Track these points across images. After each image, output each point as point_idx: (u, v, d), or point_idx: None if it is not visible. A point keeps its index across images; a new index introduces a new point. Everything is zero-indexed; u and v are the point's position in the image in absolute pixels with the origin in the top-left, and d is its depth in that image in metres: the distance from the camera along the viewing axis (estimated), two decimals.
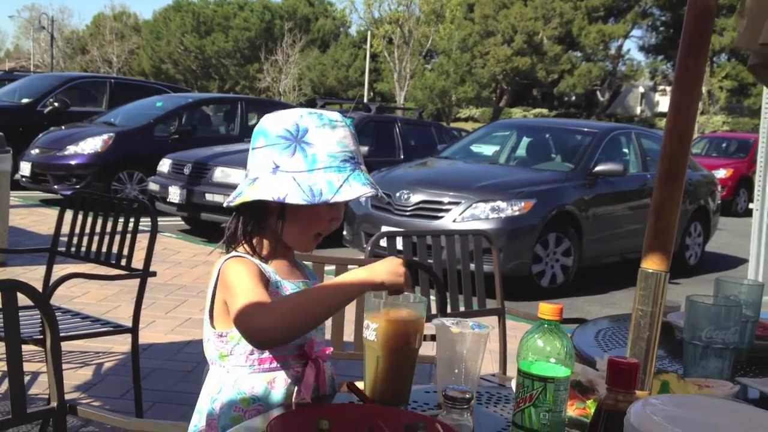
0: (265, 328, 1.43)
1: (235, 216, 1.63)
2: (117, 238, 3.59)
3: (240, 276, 1.52)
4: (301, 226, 1.61)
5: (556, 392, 1.27)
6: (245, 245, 1.61)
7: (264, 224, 1.61)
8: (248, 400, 1.54)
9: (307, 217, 1.60)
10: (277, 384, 1.56)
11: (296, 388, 1.55)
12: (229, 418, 1.54)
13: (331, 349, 1.68)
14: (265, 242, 1.63)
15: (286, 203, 1.53)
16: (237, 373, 1.56)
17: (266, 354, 1.56)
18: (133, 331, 3.43)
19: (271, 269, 1.59)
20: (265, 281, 1.55)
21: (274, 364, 1.56)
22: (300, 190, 1.52)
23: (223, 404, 1.55)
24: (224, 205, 1.64)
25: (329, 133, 1.57)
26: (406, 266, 1.52)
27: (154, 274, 3.51)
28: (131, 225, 3.54)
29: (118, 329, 3.44)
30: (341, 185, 1.53)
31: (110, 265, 3.62)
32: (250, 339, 1.46)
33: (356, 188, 1.54)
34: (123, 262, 3.58)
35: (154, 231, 3.42)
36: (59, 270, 6.39)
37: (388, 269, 1.50)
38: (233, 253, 1.60)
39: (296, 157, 1.55)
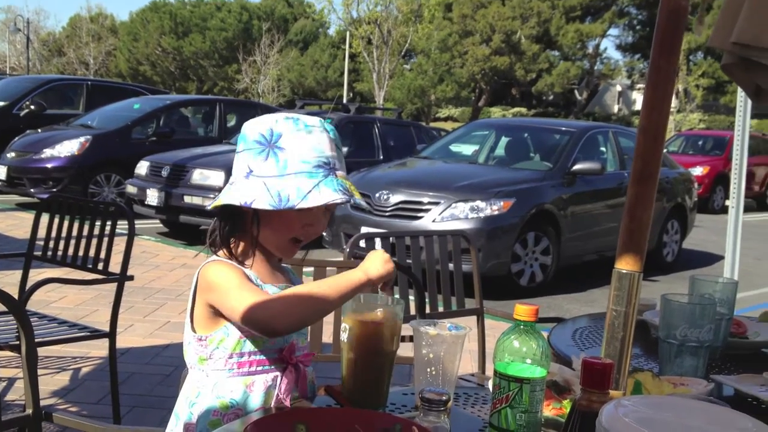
0: (278, 314, 1.46)
1: (216, 220, 1.64)
2: (94, 242, 3.56)
3: (226, 274, 1.54)
4: (275, 231, 1.60)
5: (532, 393, 1.27)
6: (224, 250, 1.61)
7: (241, 229, 1.61)
8: (227, 404, 1.53)
9: (280, 222, 1.59)
10: (255, 388, 1.55)
11: (275, 393, 1.55)
12: (208, 422, 1.53)
13: (315, 354, 1.68)
14: (243, 246, 1.62)
15: (257, 208, 1.53)
16: (216, 377, 1.56)
17: (245, 358, 1.55)
18: (111, 335, 3.40)
19: (252, 273, 1.59)
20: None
21: (253, 368, 1.56)
22: (269, 195, 1.52)
23: (201, 408, 1.55)
24: (206, 208, 1.67)
25: (304, 137, 1.56)
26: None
27: (131, 278, 3.49)
28: (108, 229, 3.51)
29: (95, 334, 3.42)
30: (310, 191, 1.52)
31: (87, 270, 3.59)
32: (264, 326, 1.47)
33: (325, 194, 1.52)
34: (100, 266, 3.55)
35: (131, 234, 3.40)
36: (36, 275, 6.33)
37: (377, 263, 1.53)
38: (213, 258, 1.60)
39: (269, 161, 1.55)
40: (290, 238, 1.62)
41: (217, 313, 1.56)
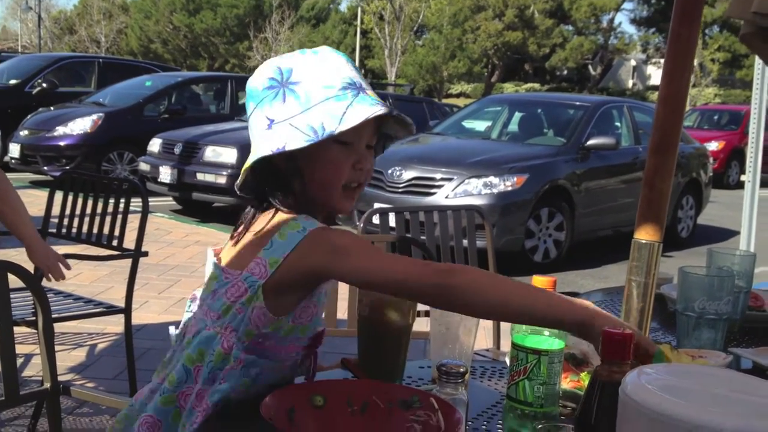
0: (481, 284, 1.26)
1: (251, 198, 1.43)
2: (108, 218, 3.57)
3: (356, 237, 1.36)
4: (322, 180, 1.38)
5: (550, 365, 1.27)
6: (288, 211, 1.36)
7: (289, 192, 1.38)
8: (248, 382, 1.37)
9: (324, 166, 1.37)
10: (273, 369, 1.43)
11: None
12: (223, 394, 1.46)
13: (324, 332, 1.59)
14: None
15: (293, 154, 1.32)
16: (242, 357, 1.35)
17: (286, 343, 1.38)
18: (126, 311, 3.41)
19: None
20: None
21: (291, 354, 1.42)
22: (299, 132, 1.31)
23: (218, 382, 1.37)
24: (235, 187, 1.43)
25: (318, 64, 1.37)
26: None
27: (145, 254, 3.50)
28: (122, 205, 3.51)
29: (110, 310, 3.43)
30: (344, 112, 1.31)
31: (102, 246, 3.60)
32: (448, 296, 1.26)
33: (362, 110, 1.31)
34: (114, 243, 3.55)
35: (145, 211, 3.40)
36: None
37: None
38: (304, 221, 1.34)
39: (288, 101, 1.35)
40: (342, 185, 1.39)
41: (304, 288, 1.35)
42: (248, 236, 1.39)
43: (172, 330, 1.50)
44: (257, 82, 1.39)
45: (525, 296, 1.26)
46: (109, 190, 3.66)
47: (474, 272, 1.28)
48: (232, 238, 1.45)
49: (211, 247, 1.51)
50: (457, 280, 1.26)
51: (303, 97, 1.34)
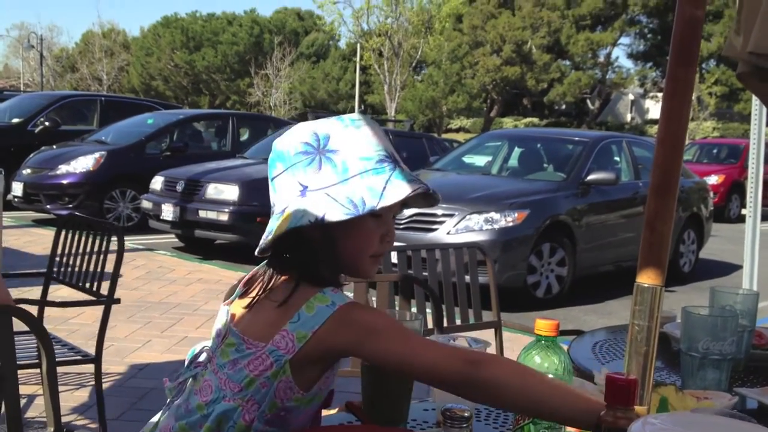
0: (506, 373, 1.24)
1: (273, 262, 1.39)
2: (93, 260, 3.47)
3: (381, 314, 1.37)
4: (353, 251, 1.38)
5: None
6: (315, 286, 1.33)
7: (316, 261, 1.36)
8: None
9: (356, 238, 1.37)
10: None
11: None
12: None
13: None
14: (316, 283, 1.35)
15: (328, 224, 1.30)
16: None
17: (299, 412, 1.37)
18: (97, 360, 3.22)
19: None
20: None
21: (308, 418, 1.41)
22: (338, 204, 1.29)
23: None
24: (256, 253, 1.40)
25: (354, 133, 1.35)
26: None
27: (117, 301, 3.30)
28: (110, 246, 3.35)
29: (83, 359, 3.25)
30: (384, 188, 1.30)
31: (84, 290, 3.49)
32: (473, 387, 1.25)
33: (402, 187, 1.31)
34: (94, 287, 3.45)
35: (120, 253, 3.21)
36: (52, 290, 6.36)
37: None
38: (332, 294, 1.32)
39: (324, 169, 1.33)
40: (370, 255, 1.39)
41: (330, 361, 1.36)
42: (267, 303, 1.35)
43: (168, 383, 1.47)
44: (290, 144, 1.37)
45: (550, 395, 1.21)
46: (97, 230, 3.52)
47: (502, 367, 1.26)
48: (243, 295, 1.41)
49: (224, 304, 1.45)
50: (485, 374, 1.24)
51: (340, 166, 1.32)
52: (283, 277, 1.36)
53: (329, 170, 1.32)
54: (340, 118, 1.38)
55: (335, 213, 1.29)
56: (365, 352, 1.30)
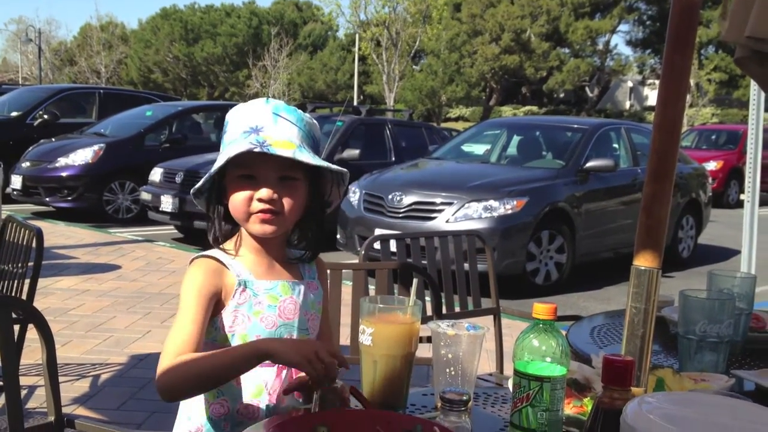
0: (157, 380, 1.46)
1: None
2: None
3: (184, 294, 1.54)
4: (234, 209, 1.58)
5: (552, 391, 1.27)
6: (215, 244, 1.64)
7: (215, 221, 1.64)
8: (213, 393, 1.55)
9: (233, 200, 1.58)
10: (243, 381, 1.55)
11: (265, 390, 1.55)
12: (194, 409, 1.58)
13: None
14: (234, 239, 1.63)
15: (220, 189, 1.59)
16: None
17: None
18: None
19: (243, 266, 1.59)
20: (217, 287, 1.55)
21: None
22: (208, 173, 1.57)
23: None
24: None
25: (240, 113, 1.59)
26: (331, 356, 1.41)
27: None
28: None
29: None
30: (225, 151, 1.55)
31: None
32: (156, 381, 1.48)
33: (235, 147, 1.52)
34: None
35: (37, 266, 2.86)
36: (53, 282, 6.38)
37: (302, 351, 1.39)
38: (201, 253, 1.62)
39: (221, 148, 1.60)
40: (246, 213, 1.57)
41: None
42: None
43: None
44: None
45: (212, 359, 1.44)
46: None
47: (166, 372, 1.45)
48: None
49: None
50: (160, 384, 1.45)
51: (222, 145, 1.60)
52: None
53: (220, 149, 1.59)
54: (237, 107, 1.63)
55: (202, 181, 1.58)
56: None
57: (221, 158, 1.53)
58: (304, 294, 1.65)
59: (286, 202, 1.57)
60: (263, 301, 1.58)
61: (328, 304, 1.80)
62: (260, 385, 1.56)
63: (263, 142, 1.52)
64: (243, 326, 1.56)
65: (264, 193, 1.55)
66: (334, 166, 1.62)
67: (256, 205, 1.55)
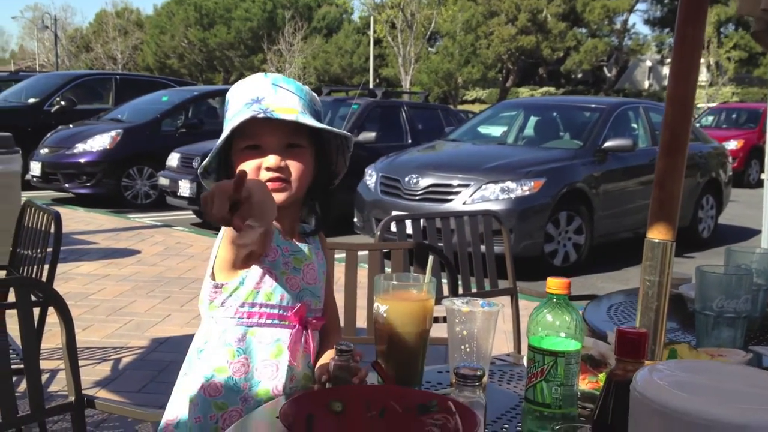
0: None
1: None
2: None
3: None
4: None
5: (567, 366, 1.27)
6: None
7: None
8: (234, 352, 1.55)
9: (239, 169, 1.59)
10: (263, 340, 1.57)
11: (284, 349, 1.56)
12: (214, 368, 1.55)
13: (325, 318, 1.67)
14: None
15: (226, 161, 1.61)
16: (224, 324, 1.57)
17: (256, 309, 1.56)
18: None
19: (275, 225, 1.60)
20: None
21: (263, 320, 1.57)
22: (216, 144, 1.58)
23: (209, 355, 1.57)
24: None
25: (240, 88, 1.62)
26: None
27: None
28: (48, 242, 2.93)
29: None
30: (231, 121, 1.56)
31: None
32: None
33: (238, 118, 1.53)
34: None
35: (57, 246, 2.84)
36: (73, 267, 6.44)
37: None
38: None
39: (224, 127, 1.62)
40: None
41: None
42: None
43: None
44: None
45: None
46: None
47: None
48: None
49: None
50: None
51: (227, 120, 1.62)
52: None
53: (224, 125, 1.61)
54: (237, 83, 1.65)
55: (209, 157, 1.59)
56: None
57: (226, 130, 1.55)
58: (320, 262, 1.68)
59: (294, 169, 1.58)
60: (290, 262, 1.60)
61: (332, 280, 1.82)
62: (280, 346, 1.57)
63: (266, 109, 1.54)
64: (270, 284, 1.57)
65: (272, 160, 1.56)
66: (338, 130, 1.63)
67: (265, 174, 1.56)
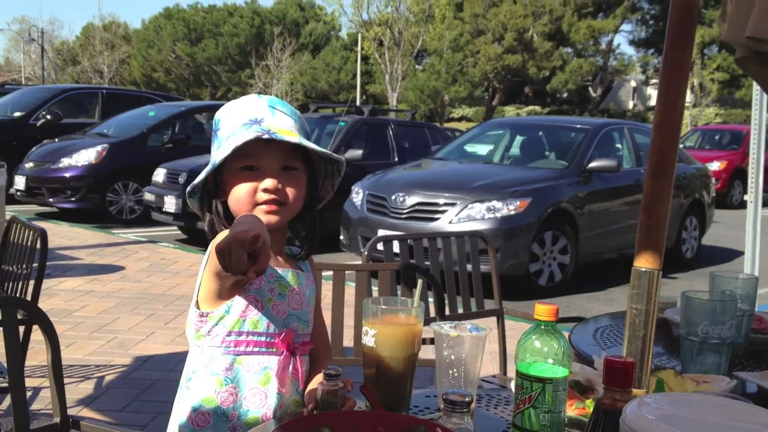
0: None
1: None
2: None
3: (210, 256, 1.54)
4: (236, 203, 1.58)
5: (554, 393, 1.28)
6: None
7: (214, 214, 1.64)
8: (221, 381, 1.54)
9: (236, 191, 1.58)
10: (250, 368, 1.56)
11: (272, 377, 1.56)
12: (203, 398, 1.55)
13: (312, 343, 1.66)
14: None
15: (216, 182, 1.60)
16: (211, 353, 1.56)
17: (243, 337, 1.55)
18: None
19: None
20: None
21: (249, 348, 1.56)
22: (207, 167, 1.58)
23: (196, 384, 1.56)
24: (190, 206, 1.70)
25: (234, 109, 1.61)
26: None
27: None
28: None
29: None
30: (228, 142, 1.55)
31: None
32: None
33: (239, 138, 1.52)
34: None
35: (42, 263, 2.88)
36: (57, 283, 6.39)
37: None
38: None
39: (214, 145, 1.62)
40: (251, 204, 1.58)
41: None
42: None
43: None
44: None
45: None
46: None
47: None
48: None
49: None
50: None
51: (219, 138, 1.62)
52: None
53: (215, 144, 1.62)
54: (228, 104, 1.65)
55: (201, 175, 1.57)
56: None
57: (225, 149, 1.53)
58: (306, 286, 1.67)
59: (290, 191, 1.59)
60: (275, 289, 1.59)
61: (320, 302, 1.81)
62: (268, 373, 1.56)
63: (269, 130, 1.54)
64: (255, 312, 1.57)
65: (269, 183, 1.56)
66: (335, 155, 1.66)
67: (261, 196, 1.57)
